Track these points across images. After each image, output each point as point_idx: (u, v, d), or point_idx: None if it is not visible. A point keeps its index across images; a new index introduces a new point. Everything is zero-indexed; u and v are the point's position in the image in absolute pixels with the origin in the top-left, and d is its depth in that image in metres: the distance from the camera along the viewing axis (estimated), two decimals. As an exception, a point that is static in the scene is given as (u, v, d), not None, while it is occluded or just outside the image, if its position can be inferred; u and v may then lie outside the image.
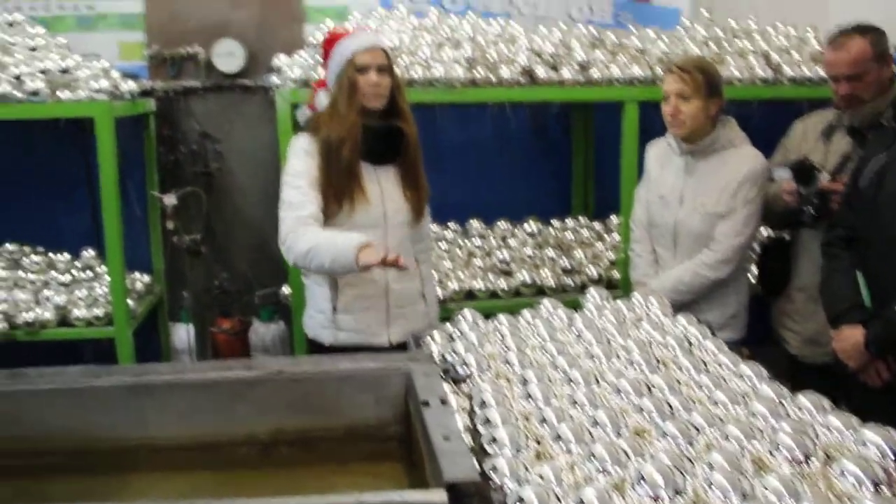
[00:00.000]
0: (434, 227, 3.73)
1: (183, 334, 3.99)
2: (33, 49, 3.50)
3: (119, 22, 4.11)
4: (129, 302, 3.51)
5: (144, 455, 1.79)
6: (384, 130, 2.65)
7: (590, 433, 1.44)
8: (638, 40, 3.74)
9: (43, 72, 3.31)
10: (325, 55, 2.71)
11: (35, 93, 3.25)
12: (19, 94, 3.24)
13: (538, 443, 1.43)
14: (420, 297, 2.78)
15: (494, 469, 1.33)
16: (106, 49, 3.96)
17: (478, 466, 1.34)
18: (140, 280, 3.87)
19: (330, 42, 2.69)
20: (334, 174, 2.59)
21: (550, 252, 3.78)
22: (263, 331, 3.99)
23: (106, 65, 3.52)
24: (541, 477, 1.31)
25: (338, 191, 2.59)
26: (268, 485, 1.77)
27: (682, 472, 1.29)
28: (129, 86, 3.57)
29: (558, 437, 1.42)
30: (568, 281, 3.66)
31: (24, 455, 1.74)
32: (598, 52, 3.61)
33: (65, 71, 3.36)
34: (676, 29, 3.98)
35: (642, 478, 1.27)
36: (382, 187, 2.66)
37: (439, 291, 3.36)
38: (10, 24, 3.66)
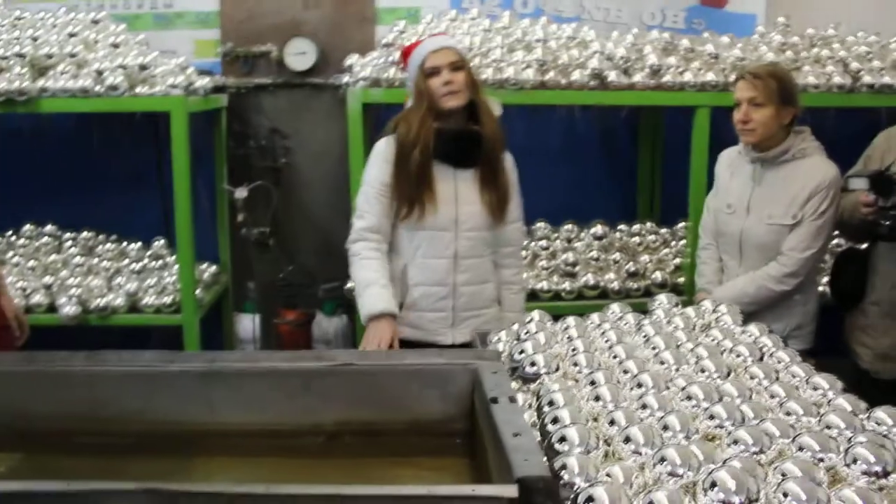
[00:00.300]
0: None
1: (247, 324, 4.07)
2: (115, 45, 3.61)
3: (195, 20, 4.21)
4: (197, 291, 3.60)
5: (212, 440, 1.82)
6: (458, 134, 2.65)
7: (660, 436, 1.42)
8: (712, 46, 3.68)
9: (122, 67, 3.41)
10: (404, 64, 2.80)
11: (114, 87, 3.35)
12: (99, 88, 3.35)
13: (607, 444, 1.41)
14: (493, 301, 2.78)
15: (564, 467, 1.32)
16: (182, 46, 4.07)
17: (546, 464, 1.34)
18: (207, 270, 3.96)
19: (406, 52, 2.77)
20: (406, 177, 2.63)
21: (615, 255, 3.74)
22: (326, 324, 4.04)
23: (182, 61, 3.61)
24: (609, 476, 1.30)
25: (410, 194, 2.63)
26: (331, 473, 1.79)
27: (755, 479, 1.26)
28: (203, 82, 3.65)
29: (628, 439, 1.41)
30: (632, 285, 3.62)
31: (99, 434, 1.79)
32: (671, 58, 3.56)
33: (143, 67, 3.46)
34: (751, 36, 3.90)
35: (714, 483, 1.25)
36: (458, 190, 2.67)
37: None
38: (95, 22, 3.78)
